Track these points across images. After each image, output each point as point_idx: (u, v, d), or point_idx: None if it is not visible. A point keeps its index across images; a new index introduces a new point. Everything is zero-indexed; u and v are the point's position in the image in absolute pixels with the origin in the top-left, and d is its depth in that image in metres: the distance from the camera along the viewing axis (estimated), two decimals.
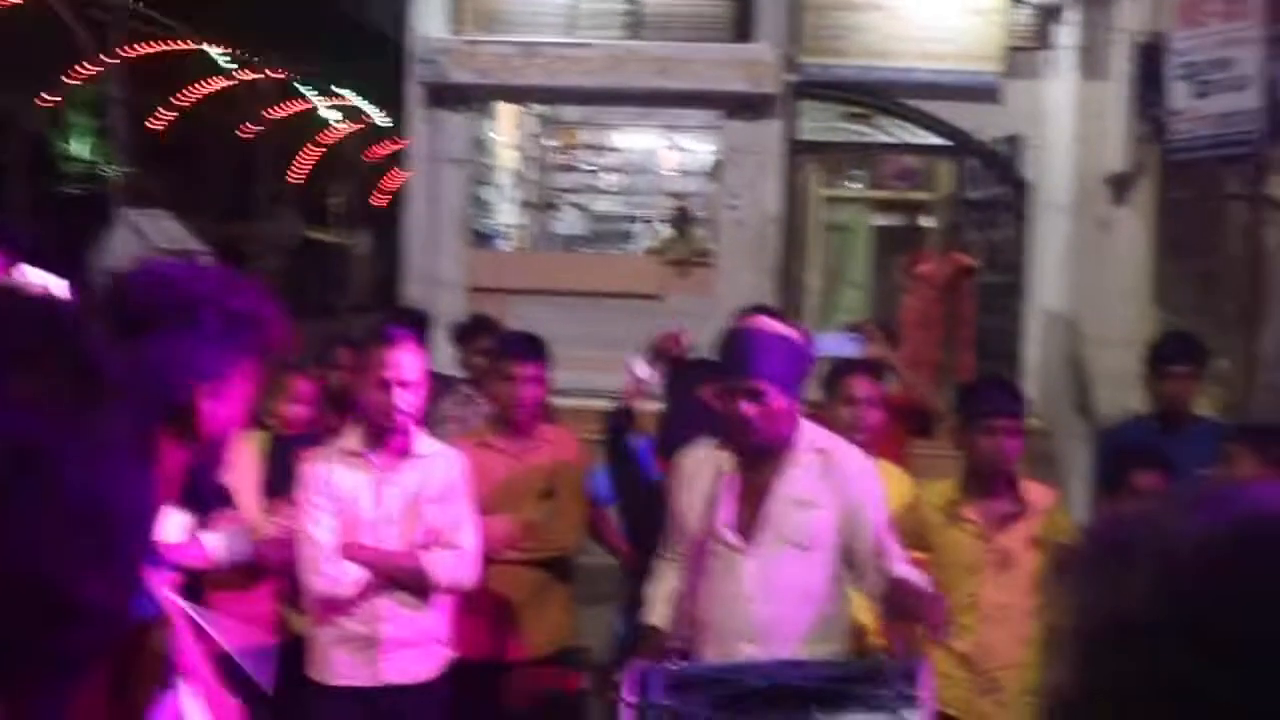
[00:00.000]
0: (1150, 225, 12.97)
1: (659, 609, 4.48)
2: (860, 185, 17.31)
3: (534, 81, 12.79)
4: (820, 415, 5.14)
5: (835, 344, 6.32)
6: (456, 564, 4.98)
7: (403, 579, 4.93)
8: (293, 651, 4.95)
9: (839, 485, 4.29)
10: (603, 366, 11.69)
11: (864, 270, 17.82)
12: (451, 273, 12.72)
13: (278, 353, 2.37)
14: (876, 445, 5.32)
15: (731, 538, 4.32)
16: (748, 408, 4.20)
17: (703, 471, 4.43)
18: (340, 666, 4.98)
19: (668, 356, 6.08)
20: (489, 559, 5.43)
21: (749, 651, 4.22)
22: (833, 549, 4.30)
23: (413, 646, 4.99)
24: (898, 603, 4.14)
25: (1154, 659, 0.96)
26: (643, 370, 5.92)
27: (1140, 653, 0.97)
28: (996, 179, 13.10)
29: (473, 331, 7.32)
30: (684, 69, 12.60)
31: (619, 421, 5.87)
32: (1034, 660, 4.96)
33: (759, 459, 4.33)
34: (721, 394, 4.31)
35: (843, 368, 5.73)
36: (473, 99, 13.03)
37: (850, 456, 4.42)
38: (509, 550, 5.50)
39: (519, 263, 13.87)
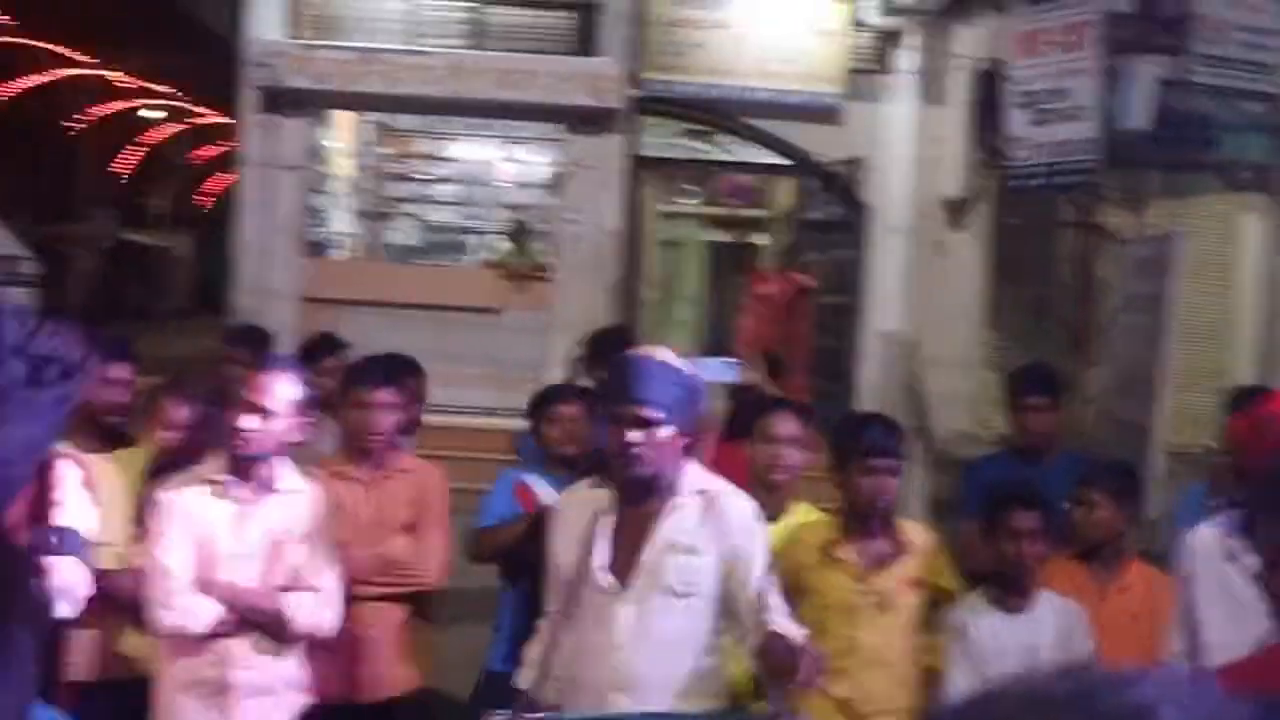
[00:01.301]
0: (986, 250, 13.15)
1: (528, 673, 4.24)
2: (696, 201, 17.30)
3: (372, 89, 12.53)
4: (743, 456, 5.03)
5: (712, 371, 6.16)
6: (316, 608, 4.73)
7: (259, 620, 4.66)
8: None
9: (721, 532, 4.08)
10: (439, 380, 11.51)
11: (699, 286, 17.84)
12: (284, 282, 12.40)
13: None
14: (796, 486, 5.19)
15: (605, 582, 4.09)
16: (633, 436, 3.98)
17: (580, 512, 4.20)
18: (187, 713, 4.67)
19: None
20: (346, 596, 5.23)
21: (620, 703, 4.03)
22: (712, 599, 4.09)
23: (266, 694, 4.71)
24: (773, 659, 3.90)
25: None
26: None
27: None
28: (835, 200, 13.17)
29: (318, 350, 7.05)
30: (526, 81, 12.46)
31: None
32: (913, 704, 4.90)
33: (639, 499, 4.11)
34: (605, 421, 4.10)
35: (761, 404, 5.59)
36: (309, 105, 12.72)
37: (734, 502, 4.20)
38: (367, 587, 5.27)
39: (354, 273, 13.59)
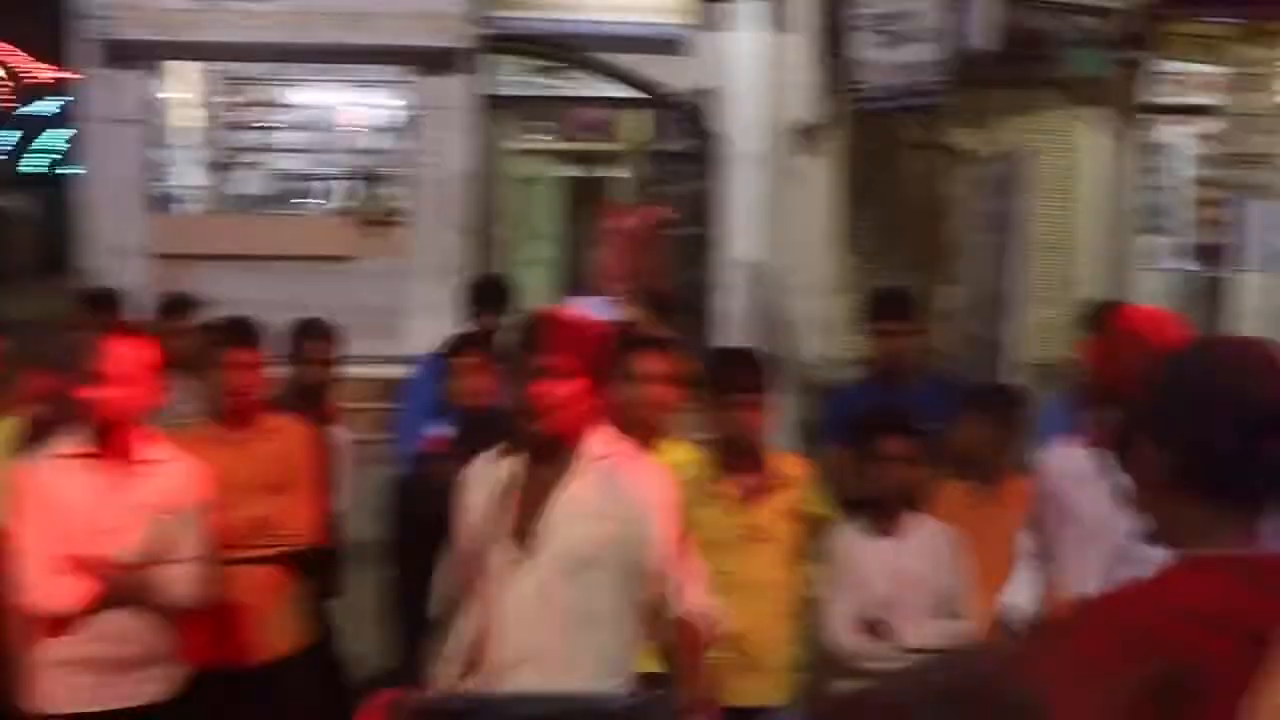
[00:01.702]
0: (838, 175, 13.24)
1: (438, 641, 4.08)
2: (548, 138, 17.20)
3: (213, 38, 12.24)
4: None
5: (591, 310, 6.11)
6: (186, 579, 4.62)
7: (130, 595, 4.54)
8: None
9: (624, 500, 3.87)
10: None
11: (554, 223, 17.77)
12: (133, 239, 12.12)
13: None
14: (666, 425, 5.19)
15: (507, 550, 3.90)
16: (539, 388, 3.81)
17: (485, 479, 4.02)
18: (62, 691, 4.54)
19: None
20: (221, 559, 5.15)
21: (518, 676, 3.84)
22: (616, 570, 3.87)
23: (141, 667, 4.60)
24: (678, 655, 3.87)
25: None
26: None
27: None
28: (687, 131, 13.15)
29: (171, 310, 6.93)
30: (370, 24, 12.25)
31: None
32: (792, 634, 4.97)
33: (544, 461, 3.91)
34: (512, 375, 3.94)
35: (627, 342, 5.54)
36: (148, 57, 12.39)
37: (638, 465, 4.00)
38: (241, 549, 5.20)
39: (204, 227, 13.30)
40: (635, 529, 3.87)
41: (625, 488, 3.90)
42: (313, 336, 6.58)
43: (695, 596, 3.93)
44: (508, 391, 4.11)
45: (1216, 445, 2.12)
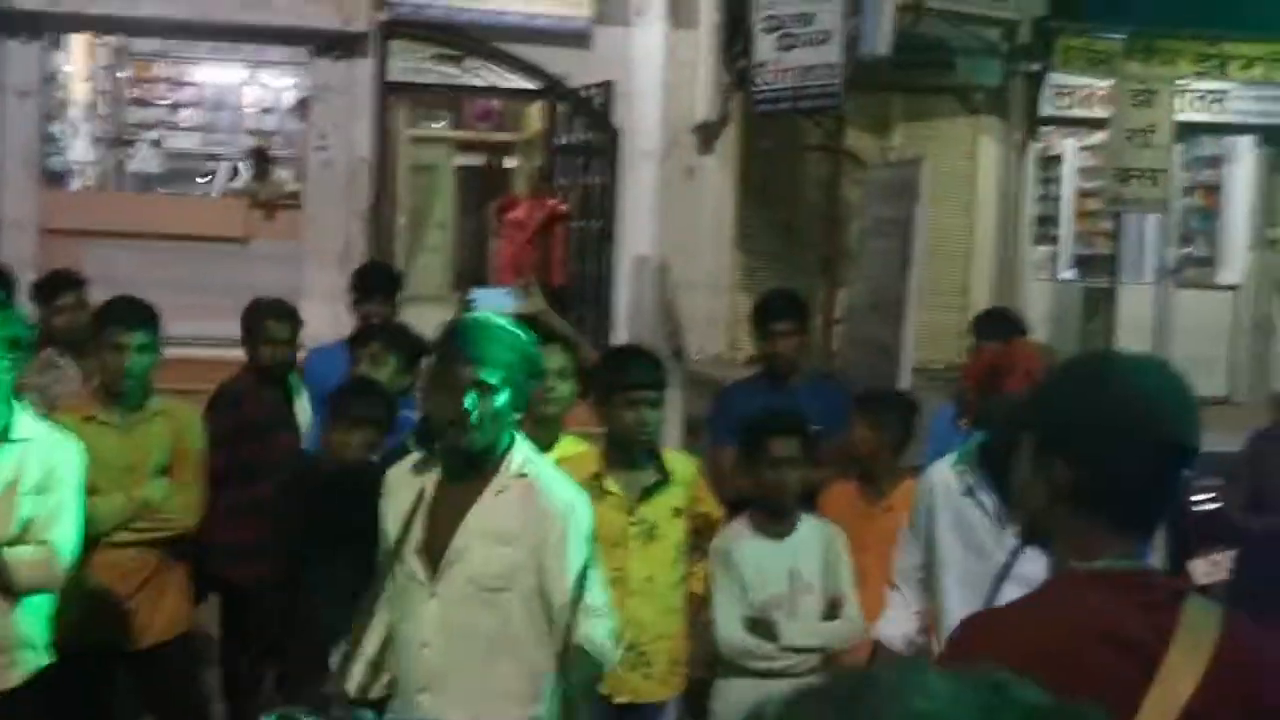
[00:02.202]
0: (735, 174, 13.32)
1: (339, 654, 3.93)
2: (445, 126, 17.15)
3: (109, 10, 12.03)
4: None
5: (492, 299, 6.12)
6: (45, 561, 4.43)
7: None
8: None
9: (537, 522, 3.72)
10: (185, 314, 11.23)
11: (449, 211, 17.70)
12: (21, 213, 11.89)
13: None
14: (564, 420, 5.20)
15: (417, 568, 3.75)
16: (470, 402, 3.63)
17: (406, 488, 3.86)
18: None
19: None
20: (102, 542, 5.09)
21: (425, 703, 3.72)
22: (529, 594, 3.72)
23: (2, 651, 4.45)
24: (574, 671, 3.72)
25: None
26: None
27: None
28: (587, 125, 13.16)
29: (54, 288, 6.81)
30: (269, 4, 12.11)
31: None
32: (680, 631, 5.00)
33: (463, 476, 3.77)
34: (442, 386, 3.73)
35: (548, 335, 5.51)
36: (42, 28, 12.16)
37: (554, 487, 3.82)
38: (124, 532, 5.15)
39: (95, 203, 13.11)
40: (544, 555, 3.71)
41: (540, 511, 3.74)
42: (276, 317, 6.51)
43: (594, 627, 3.77)
44: (430, 401, 3.95)
45: (1132, 471, 2.15)
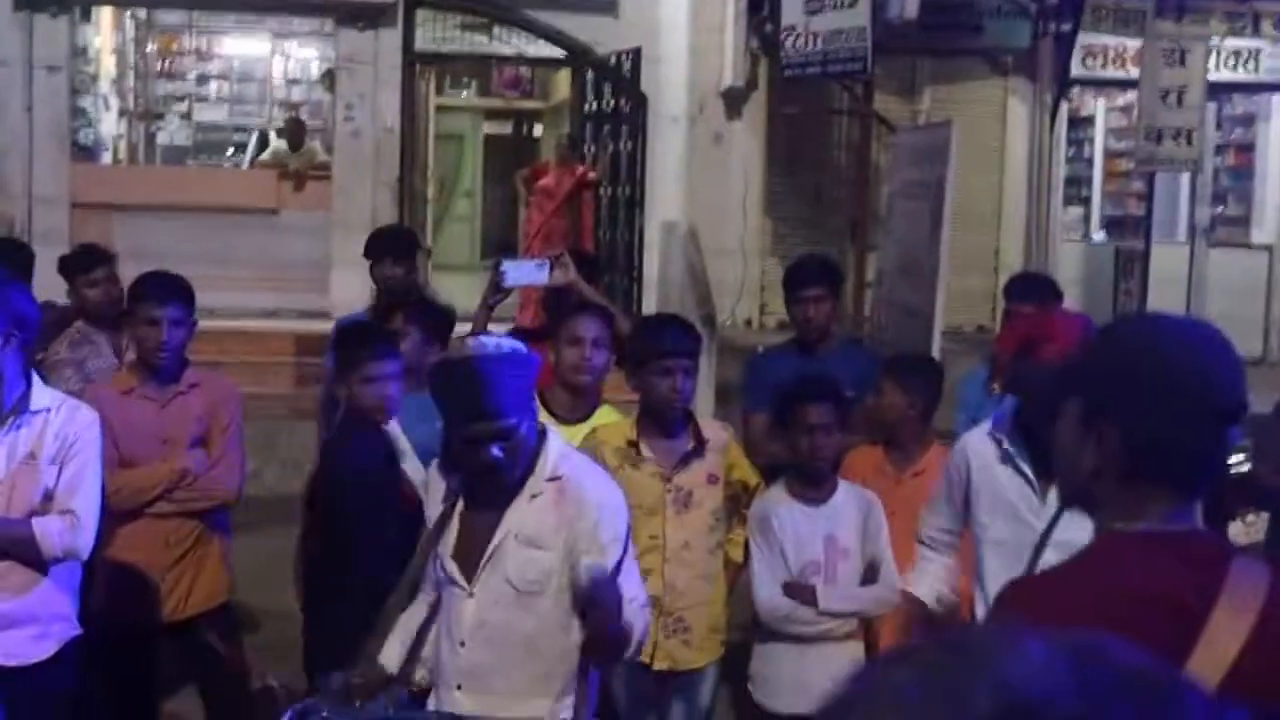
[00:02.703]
0: (763, 139, 13.30)
1: (389, 644, 3.99)
2: (472, 94, 17.14)
3: None
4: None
5: (523, 274, 6.09)
6: (70, 531, 4.42)
7: (10, 548, 4.39)
8: None
9: (571, 522, 3.77)
10: (216, 285, 11.28)
11: (477, 180, 17.72)
12: (52, 187, 11.96)
13: None
14: (601, 388, 5.22)
15: (454, 572, 3.84)
16: (497, 451, 3.67)
17: (439, 489, 3.95)
18: None
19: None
20: (143, 514, 5.14)
21: (459, 701, 3.81)
22: (562, 594, 3.78)
23: (23, 625, 4.43)
24: (598, 640, 3.75)
25: None
26: None
27: None
28: (615, 91, 13.14)
29: (84, 262, 6.83)
30: None
31: None
32: (718, 597, 5.02)
33: (493, 487, 3.82)
34: (466, 441, 3.72)
35: (568, 308, 5.54)
36: (70, 2, 12.19)
37: (585, 485, 3.86)
38: (162, 503, 5.18)
39: (125, 177, 13.16)
40: (579, 553, 3.74)
41: (574, 511, 3.79)
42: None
43: (632, 611, 3.77)
44: (455, 452, 3.88)
45: (1183, 434, 2.14)
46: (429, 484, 4.06)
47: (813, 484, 4.97)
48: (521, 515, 3.79)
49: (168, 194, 12.45)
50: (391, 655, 3.94)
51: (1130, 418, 2.13)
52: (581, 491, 3.82)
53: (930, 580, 4.51)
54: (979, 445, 4.38)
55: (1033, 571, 3.60)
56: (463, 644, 3.82)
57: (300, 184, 12.98)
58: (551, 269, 5.85)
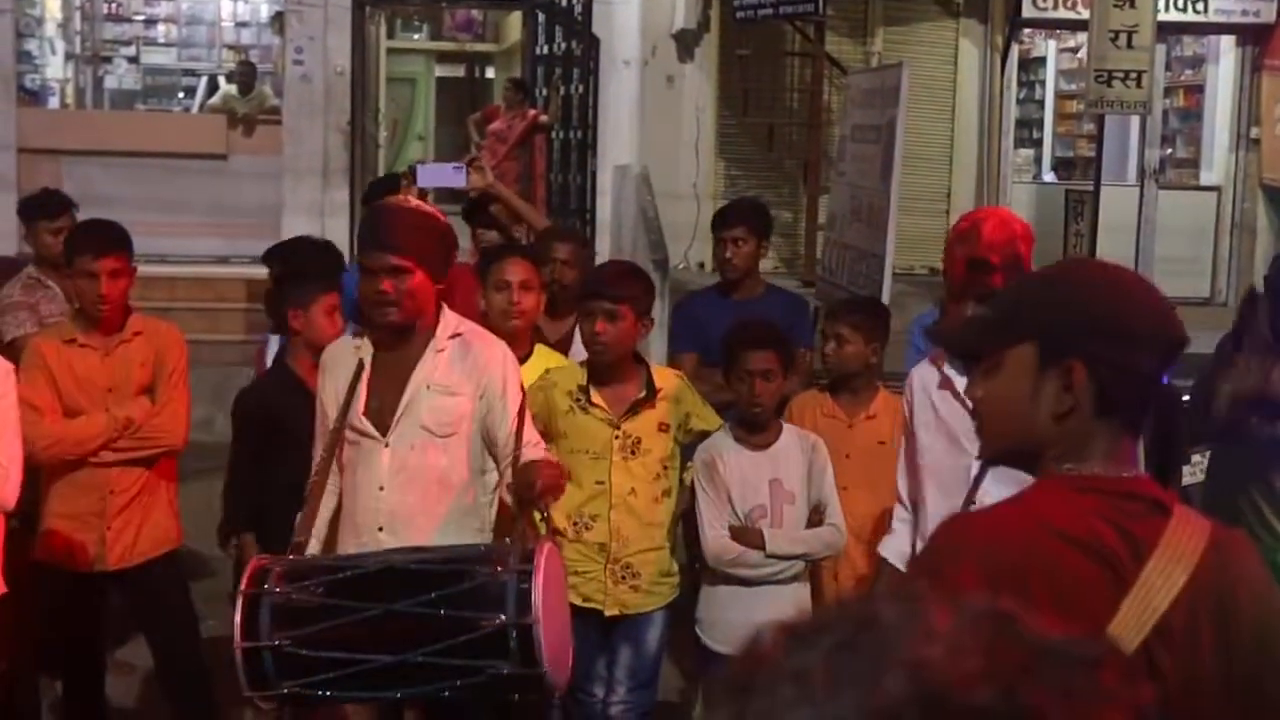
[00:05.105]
0: (715, 81, 13.26)
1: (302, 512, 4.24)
2: (423, 37, 17.01)
3: None
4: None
5: (437, 175, 6.11)
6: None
7: None
8: None
9: (477, 372, 4.24)
10: (166, 231, 11.21)
11: (428, 123, 17.61)
12: None
13: None
14: (529, 332, 5.24)
15: (368, 426, 4.21)
16: (388, 284, 4.10)
17: (342, 362, 4.31)
18: None
19: None
20: (88, 462, 5.15)
21: (382, 541, 4.12)
22: (470, 437, 4.25)
23: None
24: (523, 482, 4.01)
25: None
26: None
27: None
28: (566, 34, 13.05)
29: (47, 208, 6.77)
30: None
31: None
32: (665, 543, 5.04)
33: (398, 346, 4.24)
34: (362, 272, 4.19)
35: (493, 253, 5.56)
36: None
37: (489, 342, 4.34)
38: (107, 452, 5.18)
39: (73, 121, 13.01)
40: (487, 400, 4.23)
41: (477, 362, 4.25)
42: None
43: (536, 451, 4.23)
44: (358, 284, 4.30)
45: (1144, 370, 2.14)
46: (326, 365, 4.40)
47: (756, 429, 5.00)
48: (431, 367, 4.23)
49: (116, 139, 12.33)
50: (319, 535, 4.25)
51: (1096, 353, 2.10)
52: (483, 345, 4.31)
53: (898, 541, 4.52)
54: (921, 371, 4.40)
55: (971, 502, 3.64)
56: (381, 488, 4.20)
57: (250, 129, 12.87)
58: (467, 173, 5.88)
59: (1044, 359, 2.12)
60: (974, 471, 3.68)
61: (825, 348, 5.53)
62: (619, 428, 4.86)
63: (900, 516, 4.52)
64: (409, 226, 4.18)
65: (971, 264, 4.38)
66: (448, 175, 6.19)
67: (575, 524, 4.86)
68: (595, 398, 4.87)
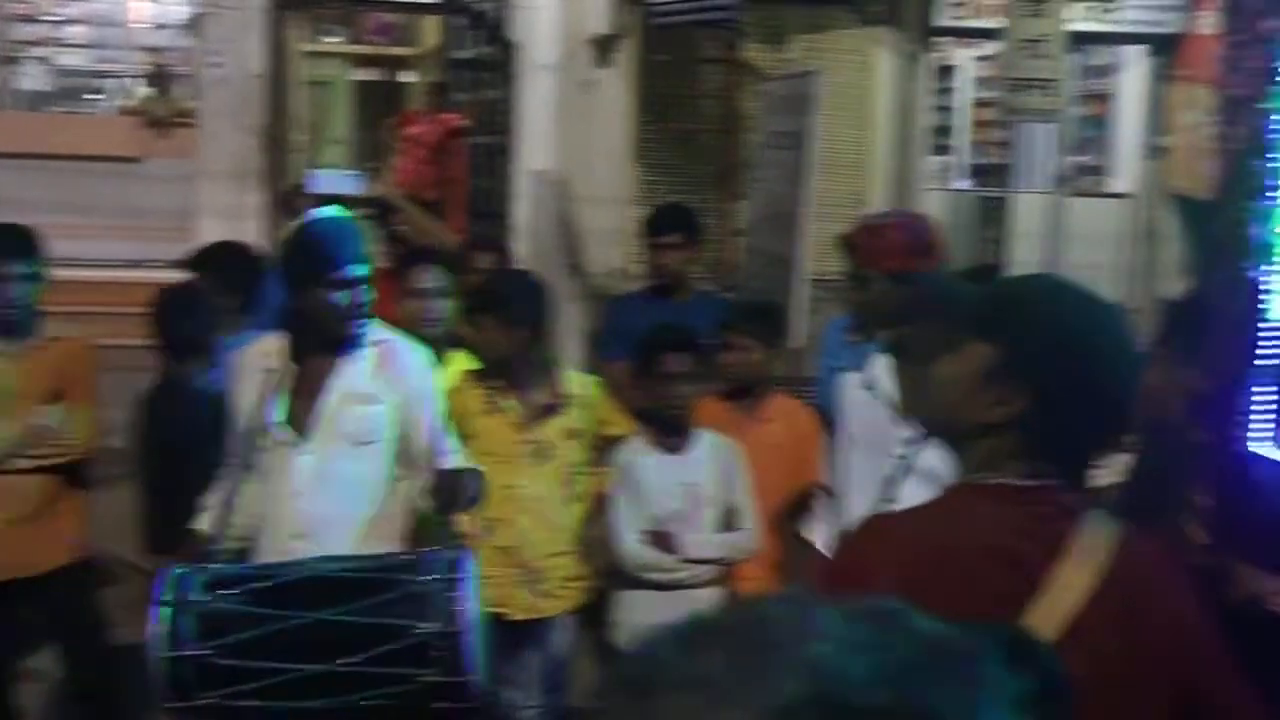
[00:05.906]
0: (632, 87, 13.27)
1: (207, 515, 4.28)
2: (341, 41, 16.90)
3: None
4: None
5: (332, 182, 6.16)
6: None
7: None
8: None
9: (397, 379, 4.27)
10: (77, 234, 11.09)
11: (346, 126, 17.49)
12: None
13: None
14: (447, 338, 5.25)
15: (283, 433, 4.23)
16: (359, 296, 4.19)
17: (257, 366, 4.32)
18: None
19: None
20: None
21: (300, 548, 4.11)
22: (389, 445, 4.27)
23: None
24: (439, 488, 4.07)
25: None
26: None
27: None
28: (483, 39, 13.02)
29: None
30: None
31: None
32: (574, 548, 5.06)
33: (318, 353, 4.27)
34: (312, 286, 4.21)
35: (408, 258, 5.57)
36: None
37: (407, 350, 4.38)
38: (17, 460, 5.12)
39: None
40: (406, 407, 4.27)
41: (396, 369, 4.29)
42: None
43: (455, 460, 4.30)
44: (310, 301, 4.28)
45: (1091, 422, 2.17)
46: (238, 370, 4.40)
47: (672, 433, 5.02)
48: (350, 375, 4.26)
49: (27, 142, 12.17)
50: (211, 519, 4.23)
51: (1049, 394, 2.13)
52: (404, 353, 4.35)
53: (823, 527, 4.58)
54: (851, 378, 4.45)
55: (892, 499, 3.69)
56: (298, 495, 4.22)
57: (164, 131, 12.74)
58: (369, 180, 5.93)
59: (991, 370, 2.16)
60: (894, 470, 3.73)
61: (723, 356, 5.52)
62: (528, 432, 4.88)
63: (825, 504, 4.58)
64: (354, 237, 4.29)
65: (854, 276, 4.43)
66: (340, 182, 6.25)
67: (482, 527, 4.87)
68: (506, 402, 4.89)
